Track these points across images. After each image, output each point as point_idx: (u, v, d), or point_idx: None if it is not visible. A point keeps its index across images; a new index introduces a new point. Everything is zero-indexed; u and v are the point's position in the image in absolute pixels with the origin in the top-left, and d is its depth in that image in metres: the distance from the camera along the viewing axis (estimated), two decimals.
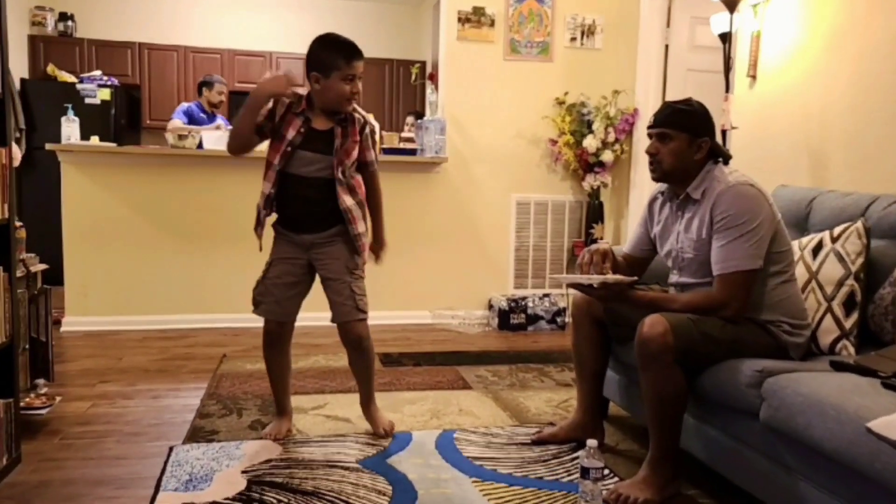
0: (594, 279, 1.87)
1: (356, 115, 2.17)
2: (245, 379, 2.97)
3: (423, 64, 6.53)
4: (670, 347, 1.71)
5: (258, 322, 4.10)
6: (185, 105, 4.99)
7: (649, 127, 1.95)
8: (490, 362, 3.40)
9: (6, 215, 1.91)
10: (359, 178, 2.21)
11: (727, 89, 2.97)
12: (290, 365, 2.37)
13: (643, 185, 4.22)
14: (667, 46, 4.11)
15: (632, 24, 4.27)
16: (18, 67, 5.80)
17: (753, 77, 2.96)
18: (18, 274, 2.43)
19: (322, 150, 2.12)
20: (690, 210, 1.93)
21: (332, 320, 2.24)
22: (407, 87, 6.68)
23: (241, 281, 4.17)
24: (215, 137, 4.06)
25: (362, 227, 2.21)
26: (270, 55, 6.54)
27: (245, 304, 4.04)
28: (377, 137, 2.27)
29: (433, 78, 4.53)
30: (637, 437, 2.34)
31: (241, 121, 2.11)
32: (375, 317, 4.25)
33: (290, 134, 2.10)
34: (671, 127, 1.90)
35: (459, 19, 4.25)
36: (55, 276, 3.97)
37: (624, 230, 4.46)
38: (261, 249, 2.28)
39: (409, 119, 5.77)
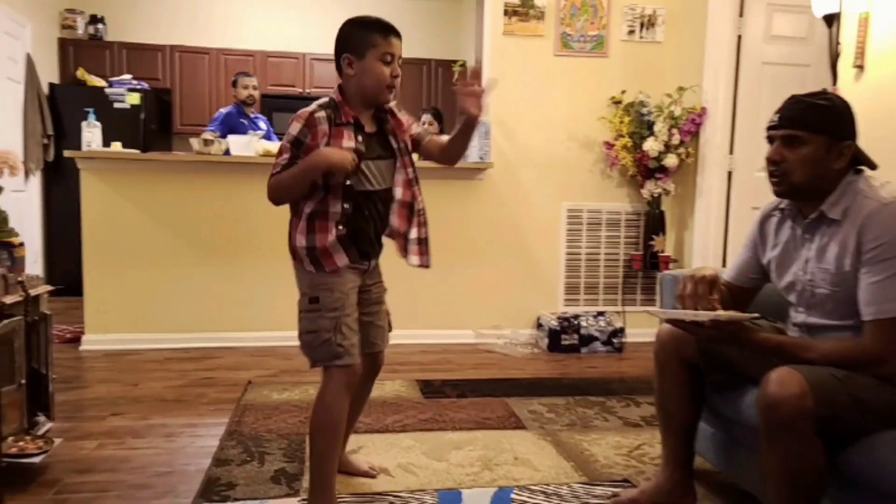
0: (702, 315, 1.48)
1: (390, 106, 1.86)
2: (270, 412, 2.65)
3: (465, 63, 6.18)
4: (809, 413, 1.31)
5: (286, 342, 3.81)
6: (221, 112, 4.72)
7: (772, 127, 1.55)
8: (543, 393, 3.01)
9: None
10: None
11: (834, 82, 2.54)
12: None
13: (711, 193, 3.79)
14: (739, 37, 3.67)
15: (698, 13, 3.84)
16: (48, 72, 5.63)
17: (860, 67, 2.52)
18: (16, 299, 2.15)
19: (385, 154, 1.83)
20: (825, 233, 1.52)
21: (370, 350, 1.93)
22: (447, 88, 6.34)
23: (269, 297, 3.91)
24: (243, 143, 3.77)
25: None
26: (304, 56, 6.27)
27: (273, 321, 3.79)
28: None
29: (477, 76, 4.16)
30: (737, 502, 1.94)
31: (291, 187, 1.73)
32: (414, 336, 3.96)
33: (349, 143, 1.73)
34: (804, 128, 1.49)
35: (506, 12, 3.89)
36: (81, 287, 3.75)
37: (688, 242, 4.03)
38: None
39: (426, 117, 5.17)
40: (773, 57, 3.65)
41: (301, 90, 6.28)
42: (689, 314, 1.52)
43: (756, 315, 1.55)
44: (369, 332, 1.92)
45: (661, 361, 1.83)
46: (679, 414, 1.83)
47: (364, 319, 1.89)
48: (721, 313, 1.50)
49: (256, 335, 3.76)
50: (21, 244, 2.27)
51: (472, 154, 3.91)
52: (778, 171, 1.53)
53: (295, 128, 1.73)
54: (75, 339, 3.74)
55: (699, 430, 1.91)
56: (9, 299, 2.10)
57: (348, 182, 1.74)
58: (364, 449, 2.31)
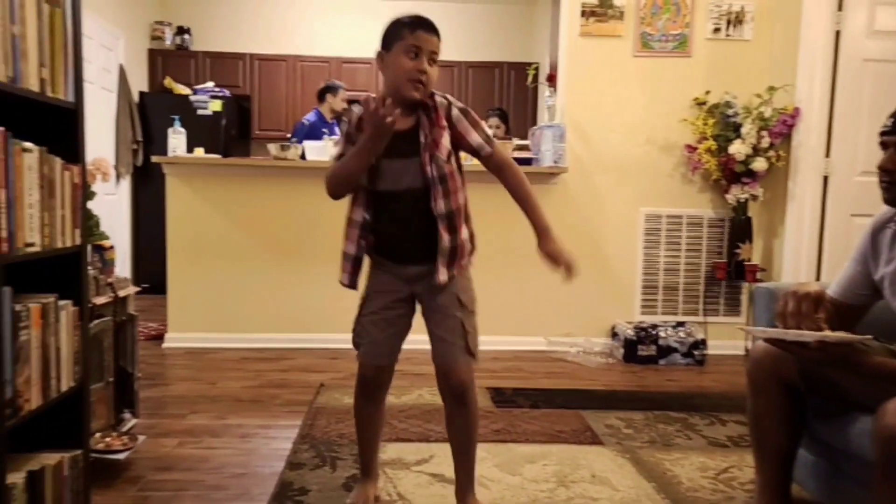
0: (807, 336, 1.35)
1: (438, 100, 1.72)
2: (342, 416, 2.65)
3: (538, 67, 6.10)
4: None
5: None
6: (304, 123, 4.78)
7: (885, 132, 1.41)
8: (620, 407, 2.89)
9: (77, 242, 1.67)
10: (457, 176, 1.75)
11: None
12: (383, 419, 1.99)
13: (804, 199, 3.56)
14: (837, 33, 3.43)
15: (791, 8, 3.62)
16: (138, 81, 5.92)
17: None
18: (106, 300, 2.23)
19: (409, 152, 1.70)
20: None
21: (435, 360, 1.82)
22: (519, 92, 6.27)
23: (340, 300, 3.91)
24: (318, 147, 3.83)
25: (465, 232, 1.76)
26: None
27: (344, 324, 3.82)
28: (475, 116, 1.78)
29: (553, 79, 4.08)
30: None
31: (355, 167, 1.67)
32: (484, 342, 3.85)
33: None
34: None
35: (583, 13, 3.78)
36: (166, 286, 3.89)
37: (777, 251, 3.79)
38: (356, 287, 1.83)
39: (493, 120, 4.95)
40: (875, 53, 3.39)
41: (375, 95, 6.33)
42: (791, 334, 1.39)
43: (868, 336, 1.41)
44: (433, 340, 1.81)
45: (756, 382, 1.70)
46: (776, 439, 1.69)
47: (429, 325, 1.81)
48: (829, 334, 1.36)
49: (329, 337, 3.79)
50: (111, 247, 2.36)
51: (546, 159, 3.82)
52: (891, 180, 1.39)
53: (344, 126, 1.79)
54: (159, 337, 3.89)
55: (798, 457, 1.77)
56: (99, 300, 2.18)
57: (368, 186, 1.72)
58: (435, 458, 2.27)
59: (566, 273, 1.72)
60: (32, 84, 1.47)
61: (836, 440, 1.60)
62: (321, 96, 4.89)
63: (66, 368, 1.65)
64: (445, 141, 1.71)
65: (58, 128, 1.66)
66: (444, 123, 1.72)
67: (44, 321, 1.54)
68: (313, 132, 4.59)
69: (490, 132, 1.81)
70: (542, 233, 1.73)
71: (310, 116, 4.86)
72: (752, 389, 1.72)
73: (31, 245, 1.47)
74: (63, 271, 1.69)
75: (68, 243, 1.64)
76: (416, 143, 1.70)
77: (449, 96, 1.77)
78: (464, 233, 1.74)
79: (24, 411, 1.46)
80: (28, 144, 1.45)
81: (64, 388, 1.64)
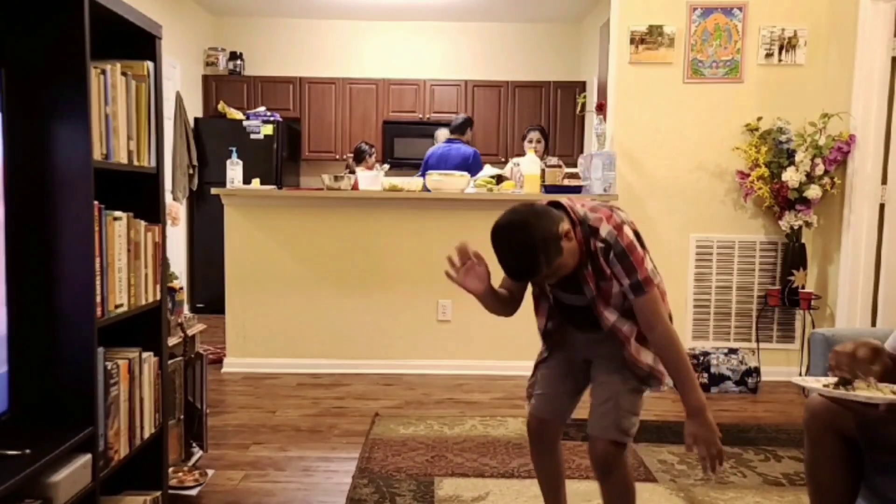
0: (877, 399, 1.36)
1: (598, 246, 1.63)
2: (398, 449, 2.73)
3: (584, 84, 6.12)
4: None
5: (408, 370, 3.97)
6: (475, 153, 4.96)
7: None
8: (673, 440, 2.89)
9: (158, 297, 1.78)
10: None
11: None
12: (559, 471, 1.92)
13: (860, 225, 3.49)
14: (894, 59, 3.36)
15: (846, 33, 3.56)
16: (193, 107, 6.15)
17: None
18: (176, 340, 2.36)
19: (579, 290, 1.69)
20: None
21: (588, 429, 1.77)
22: (566, 111, 6.28)
23: (395, 327, 4.05)
24: (370, 178, 3.93)
25: (647, 357, 1.68)
26: (424, 83, 6.44)
27: (396, 350, 3.92)
28: (632, 261, 1.62)
29: (602, 108, 4.10)
30: None
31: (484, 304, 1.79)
32: (531, 368, 3.93)
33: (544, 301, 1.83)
34: None
35: (633, 41, 3.79)
36: (220, 306, 4.05)
37: (833, 278, 3.72)
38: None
39: (533, 134, 4.85)
40: None
41: (421, 115, 6.45)
42: (860, 396, 1.39)
43: None
44: (591, 407, 1.77)
45: (813, 433, 1.70)
46: (834, 491, 1.69)
47: (593, 390, 1.80)
48: None
49: (381, 363, 3.89)
50: (181, 288, 2.49)
51: (596, 186, 3.84)
52: None
53: None
54: (217, 361, 4.03)
55: None
56: (171, 341, 2.31)
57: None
58: (492, 495, 2.32)
59: (706, 464, 1.60)
60: (122, 157, 1.59)
61: (894, 493, 1.59)
62: (462, 129, 5.09)
63: (147, 416, 1.76)
64: (616, 289, 1.65)
65: (140, 190, 1.78)
66: (609, 270, 1.64)
67: (130, 375, 1.65)
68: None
69: (648, 269, 1.64)
70: (688, 412, 1.63)
71: (470, 147, 5.02)
72: (808, 441, 1.71)
73: (120, 306, 1.59)
74: (144, 323, 1.81)
75: (150, 299, 1.76)
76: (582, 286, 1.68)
77: (615, 233, 1.62)
78: (642, 356, 1.69)
79: (114, 461, 1.58)
80: (118, 213, 1.56)
81: (146, 434, 1.75)
